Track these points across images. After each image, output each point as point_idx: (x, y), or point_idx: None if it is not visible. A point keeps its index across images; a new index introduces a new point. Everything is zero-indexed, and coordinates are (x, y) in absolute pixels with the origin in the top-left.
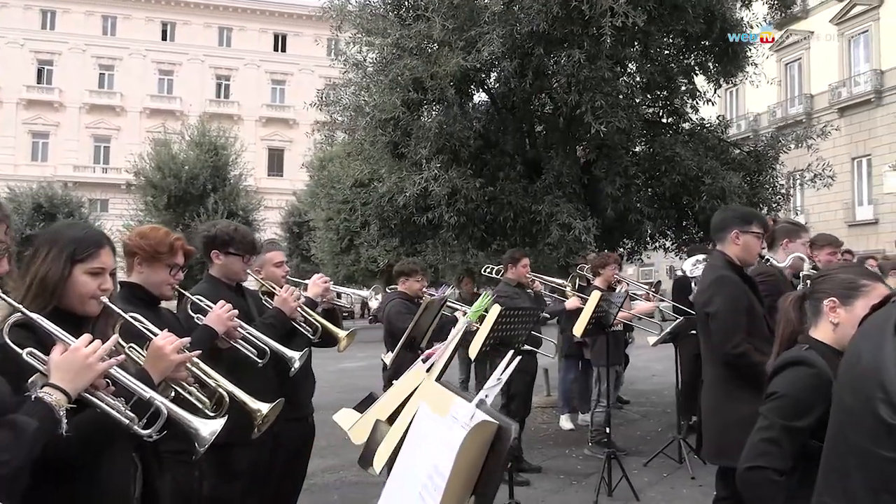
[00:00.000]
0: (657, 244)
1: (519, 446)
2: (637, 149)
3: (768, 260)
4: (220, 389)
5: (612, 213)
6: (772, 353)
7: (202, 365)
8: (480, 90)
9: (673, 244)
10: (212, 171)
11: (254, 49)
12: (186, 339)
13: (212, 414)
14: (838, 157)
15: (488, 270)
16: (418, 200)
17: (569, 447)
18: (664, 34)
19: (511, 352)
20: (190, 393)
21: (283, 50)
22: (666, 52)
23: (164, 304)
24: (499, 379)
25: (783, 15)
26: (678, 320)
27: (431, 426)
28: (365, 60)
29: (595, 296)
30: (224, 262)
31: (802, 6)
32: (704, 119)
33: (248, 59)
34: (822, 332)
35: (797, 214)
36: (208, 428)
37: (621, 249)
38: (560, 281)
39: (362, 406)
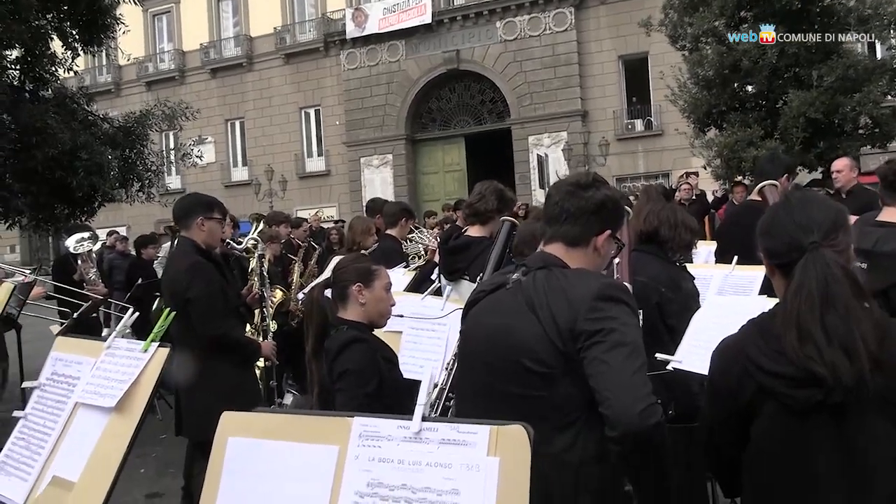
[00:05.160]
0: (10, 221)
1: None
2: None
3: (229, 243)
4: None
5: None
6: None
7: None
8: None
9: (31, 222)
10: None
11: None
12: None
13: None
14: (213, 118)
15: None
16: None
17: None
18: None
19: None
20: None
21: None
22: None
23: None
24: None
25: None
26: (86, 304)
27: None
28: None
29: (6, 288)
30: None
31: None
32: (65, 87)
33: None
34: (352, 312)
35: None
36: None
37: None
38: None
39: None
